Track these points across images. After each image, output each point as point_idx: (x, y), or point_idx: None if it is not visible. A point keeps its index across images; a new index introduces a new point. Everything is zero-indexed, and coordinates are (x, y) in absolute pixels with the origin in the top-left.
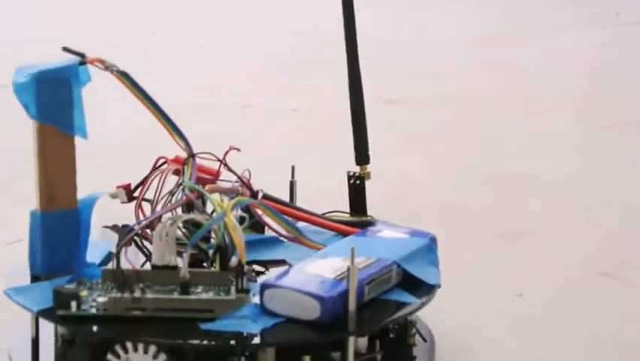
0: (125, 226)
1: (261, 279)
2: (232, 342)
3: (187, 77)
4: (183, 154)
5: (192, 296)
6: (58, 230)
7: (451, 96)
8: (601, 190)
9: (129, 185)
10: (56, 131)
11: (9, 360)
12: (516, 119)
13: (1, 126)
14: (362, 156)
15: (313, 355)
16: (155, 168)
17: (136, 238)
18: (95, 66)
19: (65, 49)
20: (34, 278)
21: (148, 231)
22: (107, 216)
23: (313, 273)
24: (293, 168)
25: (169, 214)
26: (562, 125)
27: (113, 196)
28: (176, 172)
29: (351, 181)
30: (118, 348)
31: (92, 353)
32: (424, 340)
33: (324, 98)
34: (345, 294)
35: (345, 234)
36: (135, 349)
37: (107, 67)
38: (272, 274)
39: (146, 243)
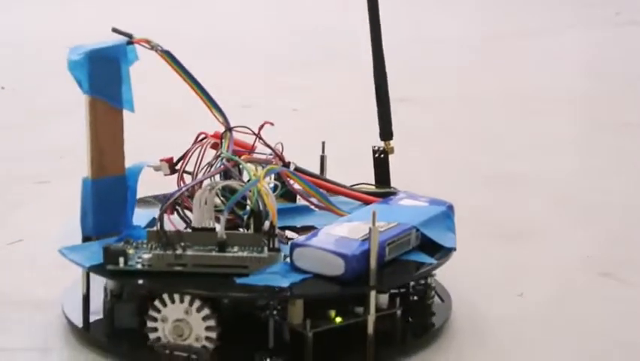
0: (165, 195)
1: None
2: (264, 294)
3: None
4: (221, 130)
5: (228, 254)
6: (108, 195)
7: (451, 96)
8: (601, 190)
9: (171, 158)
10: (106, 104)
11: (64, 315)
12: (516, 119)
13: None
14: (386, 131)
15: (338, 309)
16: (196, 143)
17: (177, 207)
18: (141, 46)
19: (114, 30)
20: (85, 239)
21: (191, 200)
22: None
23: (338, 234)
24: (323, 143)
25: (208, 182)
26: (562, 125)
27: (156, 169)
28: (214, 146)
29: (376, 155)
30: (158, 302)
31: (138, 306)
32: (442, 300)
33: (324, 98)
34: (367, 253)
35: (369, 203)
36: (173, 301)
37: (152, 46)
38: (301, 236)
39: (187, 212)
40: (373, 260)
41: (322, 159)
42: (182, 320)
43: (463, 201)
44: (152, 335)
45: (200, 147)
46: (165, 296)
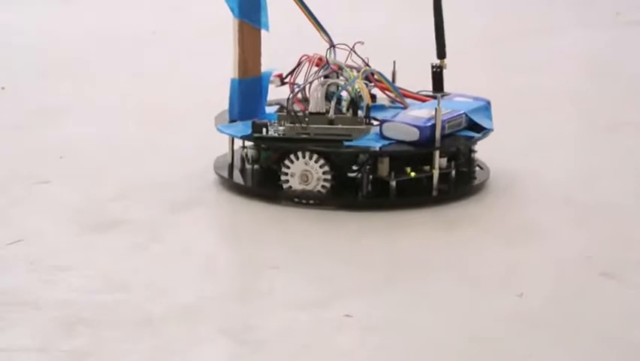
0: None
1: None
2: (364, 151)
3: (187, 77)
4: (318, 53)
5: (338, 126)
6: (249, 90)
7: None
8: (601, 190)
9: (281, 74)
10: (250, 26)
11: (214, 172)
12: (516, 118)
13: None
14: (441, 52)
15: (412, 166)
16: (298, 63)
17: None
18: None
19: None
20: (232, 122)
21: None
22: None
23: (413, 115)
24: (394, 62)
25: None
26: (562, 124)
27: (270, 82)
28: (319, 60)
29: (434, 70)
30: (292, 156)
31: (267, 169)
32: (481, 168)
33: None
34: (434, 126)
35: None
36: (304, 157)
37: None
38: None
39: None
40: (438, 130)
41: (394, 74)
42: (307, 170)
43: (463, 201)
44: (284, 181)
45: (307, 64)
46: (299, 153)
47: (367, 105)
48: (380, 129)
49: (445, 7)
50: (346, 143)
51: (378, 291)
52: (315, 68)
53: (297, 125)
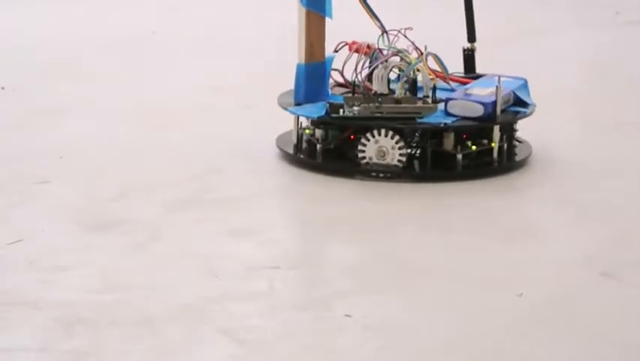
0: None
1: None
2: (434, 126)
3: (187, 77)
4: (358, 40)
5: (409, 104)
6: (314, 74)
7: None
8: (601, 190)
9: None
10: (316, 14)
11: (277, 148)
12: None
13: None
14: (471, 36)
15: (472, 140)
16: (336, 50)
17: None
18: None
19: None
20: (297, 104)
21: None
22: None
23: (474, 93)
24: (425, 46)
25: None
26: (562, 124)
27: None
28: (368, 47)
29: (465, 52)
30: (369, 134)
31: (335, 148)
32: (520, 142)
33: None
34: (494, 103)
35: (467, 83)
36: (380, 134)
37: None
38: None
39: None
40: (499, 107)
41: (426, 57)
42: (383, 146)
43: (464, 201)
44: (361, 156)
45: (357, 51)
46: (374, 131)
47: (434, 85)
48: (445, 107)
49: (444, 8)
50: (419, 120)
51: (378, 291)
52: (354, 54)
53: (370, 105)
